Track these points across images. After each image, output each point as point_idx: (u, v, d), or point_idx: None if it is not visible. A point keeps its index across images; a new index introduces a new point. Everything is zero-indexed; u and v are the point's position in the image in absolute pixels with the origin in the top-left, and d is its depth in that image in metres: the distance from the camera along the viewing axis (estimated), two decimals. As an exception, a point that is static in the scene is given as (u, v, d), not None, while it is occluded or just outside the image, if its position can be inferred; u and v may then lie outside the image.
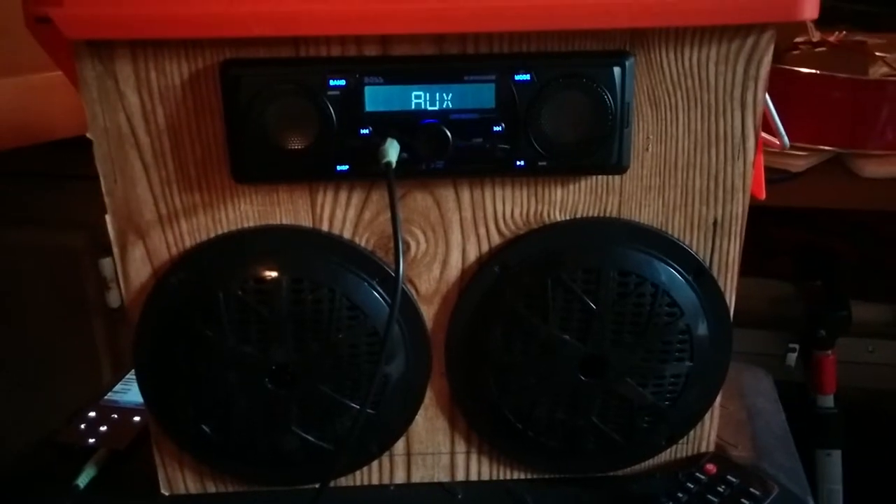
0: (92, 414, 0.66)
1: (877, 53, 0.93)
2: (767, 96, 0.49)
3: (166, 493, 0.57)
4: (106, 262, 1.13)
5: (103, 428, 0.64)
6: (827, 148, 0.84)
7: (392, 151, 0.45)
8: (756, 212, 0.52)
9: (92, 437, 0.63)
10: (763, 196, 0.54)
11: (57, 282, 1.15)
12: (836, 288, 1.15)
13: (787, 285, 1.22)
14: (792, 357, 1.17)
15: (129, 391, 0.69)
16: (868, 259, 1.24)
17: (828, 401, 1.10)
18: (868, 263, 1.24)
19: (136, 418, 0.64)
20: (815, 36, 0.91)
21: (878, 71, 0.90)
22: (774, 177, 0.57)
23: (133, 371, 0.71)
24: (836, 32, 0.95)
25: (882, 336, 1.17)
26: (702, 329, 0.52)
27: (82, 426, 0.65)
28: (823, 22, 1.01)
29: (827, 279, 1.17)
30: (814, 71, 0.82)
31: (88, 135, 0.47)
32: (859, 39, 0.91)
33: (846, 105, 0.83)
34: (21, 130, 0.93)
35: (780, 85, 0.83)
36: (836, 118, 0.83)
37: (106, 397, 0.68)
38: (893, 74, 0.88)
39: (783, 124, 0.86)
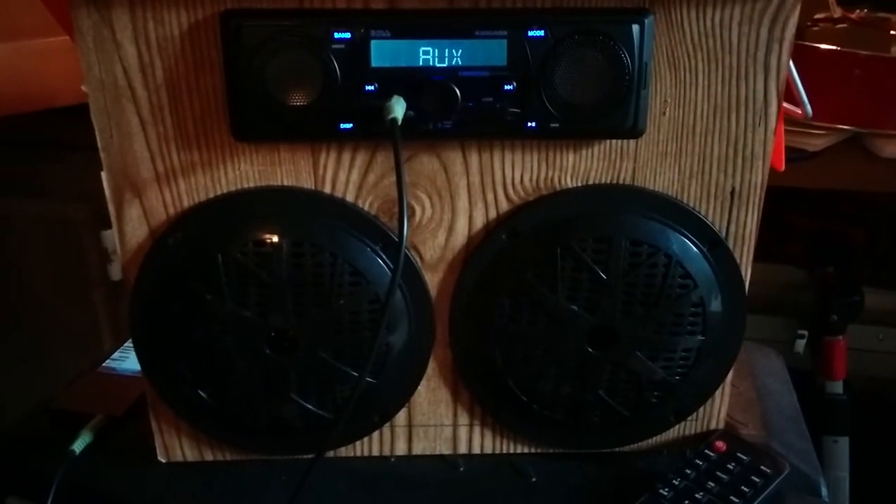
0: (89, 381, 0.65)
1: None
2: (791, 63, 0.47)
3: (163, 460, 0.56)
4: (108, 234, 1.12)
5: (100, 395, 0.63)
6: (846, 127, 0.82)
7: (398, 108, 0.44)
8: (770, 193, 0.50)
9: (88, 404, 0.61)
10: (782, 167, 0.52)
11: (58, 253, 1.14)
12: (848, 274, 1.13)
13: (798, 271, 1.20)
14: (800, 344, 1.15)
15: (126, 359, 0.68)
16: (881, 246, 1.22)
17: (837, 387, 1.09)
18: (881, 250, 1.22)
19: (134, 386, 0.63)
20: (837, 12, 0.89)
21: (900, 48, 0.87)
22: (791, 156, 0.55)
23: (131, 339, 0.70)
24: (858, 10, 0.93)
25: (893, 324, 1.15)
26: (715, 302, 0.50)
27: (79, 393, 0.64)
28: (844, 1, 0.99)
29: (840, 265, 1.15)
30: (834, 47, 0.80)
31: (83, 87, 0.46)
32: (882, 16, 0.89)
33: (867, 83, 0.80)
34: (19, 97, 0.92)
35: (800, 61, 0.80)
36: (856, 96, 0.81)
37: (103, 365, 0.67)
38: (916, 52, 0.86)
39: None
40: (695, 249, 0.49)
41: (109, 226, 1.15)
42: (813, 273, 1.19)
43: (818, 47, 0.81)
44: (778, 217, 0.52)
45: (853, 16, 0.90)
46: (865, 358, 1.16)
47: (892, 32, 0.92)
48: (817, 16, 0.89)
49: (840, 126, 0.83)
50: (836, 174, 0.86)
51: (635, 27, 0.44)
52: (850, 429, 1.08)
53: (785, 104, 0.50)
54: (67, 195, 1.11)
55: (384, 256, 0.50)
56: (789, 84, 0.49)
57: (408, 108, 0.44)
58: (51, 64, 0.92)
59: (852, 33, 0.86)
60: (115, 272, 1.13)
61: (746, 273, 0.51)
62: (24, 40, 0.90)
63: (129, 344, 0.70)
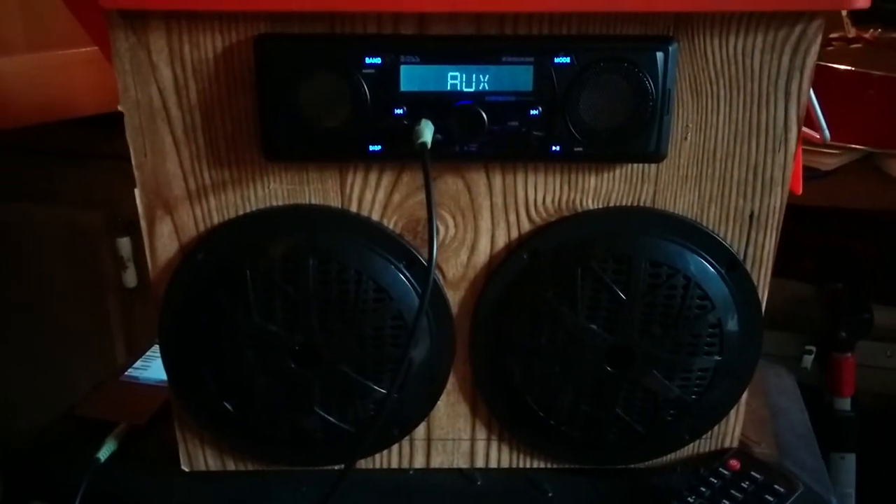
0: (112, 389, 0.66)
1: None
2: (812, 91, 0.48)
3: (186, 469, 0.57)
4: (123, 242, 1.13)
5: (124, 403, 0.64)
6: (859, 147, 0.83)
7: (427, 132, 0.45)
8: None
9: (112, 412, 0.62)
10: (800, 191, 0.53)
11: (74, 260, 1.15)
12: (858, 291, 1.14)
13: (807, 286, 1.21)
14: (808, 359, 1.16)
15: (149, 368, 0.69)
16: (891, 263, 1.23)
17: (844, 403, 1.09)
18: (891, 267, 1.23)
19: (157, 395, 0.64)
20: (851, 32, 0.90)
21: (913, 69, 0.88)
22: (804, 175, 0.56)
23: (152, 349, 0.71)
24: (872, 30, 0.94)
25: (902, 341, 1.16)
26: (732, 323, 0.51)
27: (102, 400, 0.65)
28: (858, 20, 0.99)
29: (849, 282, 1.16)
30: (848, 67, 0.81)
31: (120, 107, 0.47)
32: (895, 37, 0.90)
33: (880, 103, 0.81)
34: (44, 106, 0.93)
35: (814, 81, 0.82)
36: (870, 116, 0.82)
37: (126, 374, 0.68)
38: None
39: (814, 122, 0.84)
40: (713, 271, 0.50)
41: (125, 233, 1.16)
42: (822, 289, 1.19)
43: (833, 67, 0.82)
44: (787, 232, 0.53)
45: (867, 35, 0.91)
46: (874, 374, 1.17)
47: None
48: (832, 35, 0.90)
49: (853, 146, 0.83)
50: (848, 193, 0.87)
51: (659, 55, 0.45)
52: (857, 445, 1.09)
53: (803, 128, 0.51)
54: (84, 202, 1.12)
55: (408, 274, 0.51)
56: (808, 109, 0.49)
57: (435, 132, 0.45)
58: (74, 74, 0.93)
59: (866, 53, 0.86)
60: (130, 279, 1.14)
61: (763, 295, 0.52)
62: (48, 51, 0.92)
63: (151, 353, 0.71)
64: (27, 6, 0.91)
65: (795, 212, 0.53)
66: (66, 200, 1.13)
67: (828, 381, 1.08)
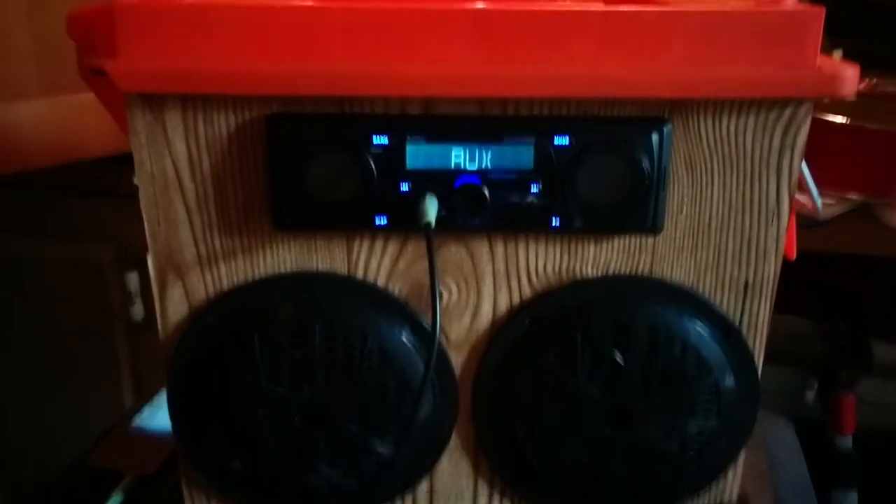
0: (119, 439, 0.68)
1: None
2: (804, 164, 0.50)
3: (194, 525, 0.59)
4: (132, 276, 1.15)
5: (131, 454, 0.65)
6: (855, 196, 0.84)
7: (431, 209, 0.46)
8: None
9: (119, 463, 0.64)
10: (794, 256, 0.54)
11: (82, 294, 1.17)
12: (858, 328, 1.15)
13: (808, 322, 1.22)
14: (810, 395, 1.17)
15: (156, 416, 0.70)
16: (891, 299, 1.24)
17: (846, 441, 1.10)
18: (891, 304, 1.24)
19: (164, 445, 0.65)
20: (846, 83, 0.92)
21: (908, 120, 0.90)
22: (801, 223, 0.57)
23: (159, 396, 0.72)
24: (867, 79, 0.95)
25: (903, 377, 1.17)
26: (729, 387, 0.53)
27: (110, 451, 0.66)
28: (854, 63, 1.01)
29: (849, 319, 1.17)
30: (844, 120, 0.82)
31: (135, 181, 0.49)
32: (890, 91, 0.91)
33: (876, 155, 0.83)
34: (58, 149, 0.95)
35: (810, 132, 0.83)
36: (866, 167, 0.84)
37: (134, 423, 0.70)
38: (924, 124, 0.88)
39: (813, 170, 0.86)
40: (710, 337, 0.52)
41: (134, 268, 1.18)
42: (822, 325, 1.21)
43: (829, 120, 0.83)
44: (788, 269, 0.55)
45: (862, 87, 0.93)
46: (875, 410, 1.18)
47: (901, 99, 0.95)
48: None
49: (850, 195, 0.85)
50: (845, 240, 0.88)
51: (655, 136, 0.46)
52: (859, 482, 1.10)
53: (798, 196, 0.52)
54: (93, 237, 1.14)
55: (412, 337, 0.52)
56: (801, 181, 0.51)
57: (440, 207, 0.47)
58: (86, 117, 0.95)
59: (861, 105, 0.88)
60: (137, 313, 1.16)
61: (759, 360, 0.53)
62: (62, 95, 0.94)
63: (157, 401, 0.72)
64: (42, 50, 0.93)
65: (798, 250, 0.55)
66: (75, 235, 1.15)
67: (829, 418, 1.09)
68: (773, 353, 1.21)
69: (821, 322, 1.21)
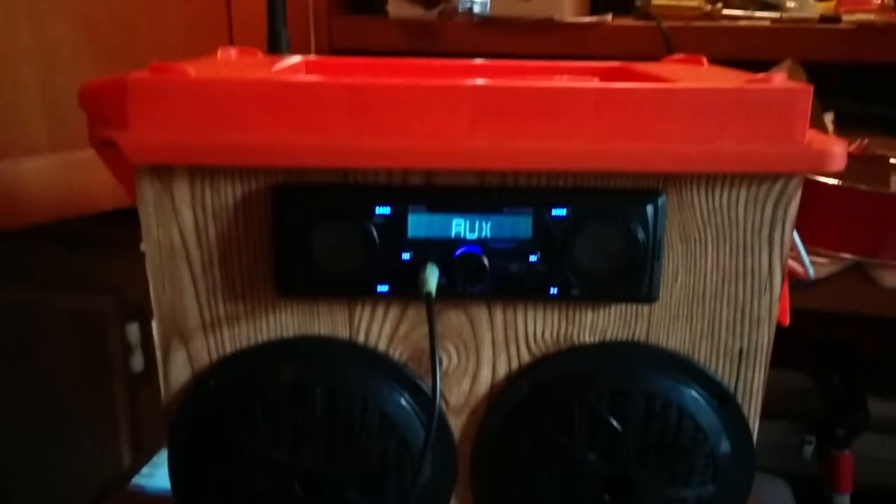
0: (119, 498, 0.68)
1: (894, 160, 0.95)
2: (796, 233, 0.51)
3: (190, 590, 0.58)
4: (132, 328, 1.15)
5: (130, 514, 0.65)
6: (848, 256, 0.86)
7: (432, 279, 0.47)
8: None
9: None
10: (787, 322, 0.55)
11: (83, 344, 1.17)
12: (854, 385, 1.15)
13: (805, 377, 1.23)
14: (808, 450, 1.16)
15: (155, 475, 0.70)
16: (887, 355, 1.24)
17: (844, 500, 1.09)
18: (887, 359, 1.24)
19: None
20: (837, 145, 0.94)
21: (899, 181, 0.92)
22: (795, 284, 0.58)
23: (159, 455, 0.73)
24: (858, 140, 0.97)
25: (900, 433, 1.17)
26: (725, 453, 0.53)
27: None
28: (845, 123, 1.03)
29: (845, 375, 1.17)
30: (836, 182, 0.84)
31: (142, 248, 0.50)
32: (880, 154, 0.93)
33: (868, 216, 0.84)
34: (64, 204, 0.97)
35: (804, 194, 0.85)
36: (858, 228, 0.85)
37: (133, 482, 0.70)
38: (914, 185, 0.90)
39: (807, 230, 0.87)
40: (705, 404, 0.52)
41: (135, 319, 1.18)
42: (819, 380, 1.21)
43: (821, 181, 0.85)
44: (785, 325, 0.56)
45: (853, 149, 0.95)
46: (873, 465, 1.17)
47: (891, 161, 0.96)
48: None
49: (843, 255, 0.86)
50: (839, 299, 0.89)
51: (649, 207, 0.48)
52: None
53: (790, 262, 0.53)
54: (95, 288, 1.15)
55: (412, 402, 0.53)
56: (793, 248, 0.52)
57: (440, 275, 0.48)
58: (92, 173, 0.96)
59: (853, 167, 0.90)
60: (137, 364, 1.16)
61: (754, 427, 0.54)
62: (69, 151, 0.95)
63: (157, 459, 0.72)
64: (50, 107, 0.95)
65: (792, 308, 0.56)
66: (77, 286, 1.16)
67: (826, 476, 1.09)
68: (772, 408, 1.21)
69: (818, 377, 1.21)
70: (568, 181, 0.48)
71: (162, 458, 0.71)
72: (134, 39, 0.94)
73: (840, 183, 0.84)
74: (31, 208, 0.94)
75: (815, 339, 1.26)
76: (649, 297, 0.50)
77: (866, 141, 0.97)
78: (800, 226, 0.53)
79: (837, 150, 0.46)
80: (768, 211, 0.49)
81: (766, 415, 0.52)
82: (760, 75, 0.48)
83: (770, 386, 0.54)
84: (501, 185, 0.49)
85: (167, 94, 0.46)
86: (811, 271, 0.54)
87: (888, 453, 1.18)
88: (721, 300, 0.51)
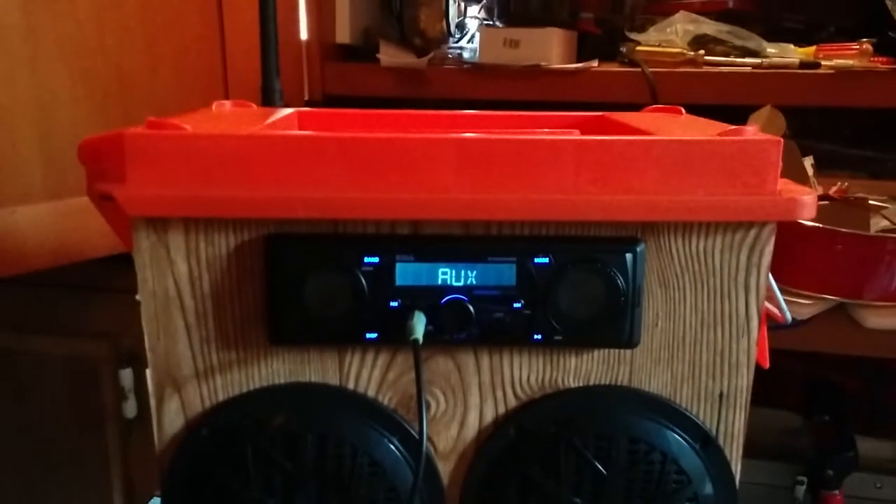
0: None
1: (874, 202, 0.98)
2: (771, 278, 0.52)
3: None
4: (125, 373, 1.16)
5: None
6: (830, 297, 0.87)
7: (419, 326, 0.49)
8: None
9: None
10: (767, 365, 0.57)
11: (75, 389, 1.17)
12: (843, 425, 1.16)
13: (796, 417, 1.24)
14: (800, 490, 1.17)
15: (147, 522, 0.71)
16: (875, 395, 1.26)
17: (837, 540, 1.10)
18: (875, 400, 1.26)
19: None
20: (818, 190, 0.96)
21: (878, 223, 0.94)
22: (779, 325, 0.60)
23: (152, 501, 0.73)
24: (839, 183, 1.00)
25: (890, 472, 1.17)
26: (708, 495, 0.54)
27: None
28: (825, 166, 1.06)
29: (835, 415, 1.18)
30: (817, 225, 0.86)
31: (138, 297, 0.51)
32: (860, 196, 0.96)
33: (849, 258, 0.86)
34: (59, 251, 0.98)
35: (786, 236, 0.86)
36: (839, 269, 0.87)
37: (125, 529, 0.70)
38: (893, 228, 0.92)
39: (790, 272, 0.89)
40: (688, 447, 0.54)
41: (128, 365, 1.19)
42: (809, 420, 1.22)
43: (802, 224, 0.87)
44: (775, 365, 0.56)
45: (833, 192, 0.97)
46: (863, 506, 1.18)
47: (871, 203, 0.99)
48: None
49: (825, 296, 0.88)
50: (823, 339, 0.91)
51: (629, 255, 0.50)
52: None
53: (768, 305, 0.55)
54: (88, 333, 1.16)
55: (401, 448, 0.54)
56: (770, 294, 0.54)
57: (427, 322, 0.50)
58: (87, 220, 0.98)
59: (833, 210, 0.92)
60: (130, 410, 1.16)
61: (737, 469, 0.55)
62: (65, 199, 0.97)
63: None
64: (47, 156, 0.96)
65: (780, 349, 0.57)
66: (70, 331, 1.16)
67: (818, 517, 1.09)
68: (763, 448, 1.22)
69: (809, 418, 1.22)
70: (550, 230, 0.50)
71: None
72: (131, 91, 0.96)
73: (821, 226, 0.86)
74: (25, 255, 0.96)
75: (805, 380, 1.27)
76: (630, 342, 0.51)
77: (846, 184, 1.00)
78: (782, 268, 0.54)
79: (808, 200, 0.48)
80: (743, 258, 0.51)
81: (758, 455, 0.53)
82: (733, 127, 0.50)
83: (762, 426, 0.55)
84: (486, 234, 0.50)
85: (163, 149, 0.48)
86: (788, 315, 0.56)
87: (878, 493, 1.19)
88: (700, 344, 0.52)
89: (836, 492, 1.07)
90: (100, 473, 1.18)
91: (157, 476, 0.55)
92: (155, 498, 0.67)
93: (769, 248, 0.51)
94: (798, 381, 1.26)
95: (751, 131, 0.50)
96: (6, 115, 0.88)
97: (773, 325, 0.59)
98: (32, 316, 1.18)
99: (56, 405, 1.18)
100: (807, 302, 0.88)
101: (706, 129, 0.54)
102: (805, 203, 0.48)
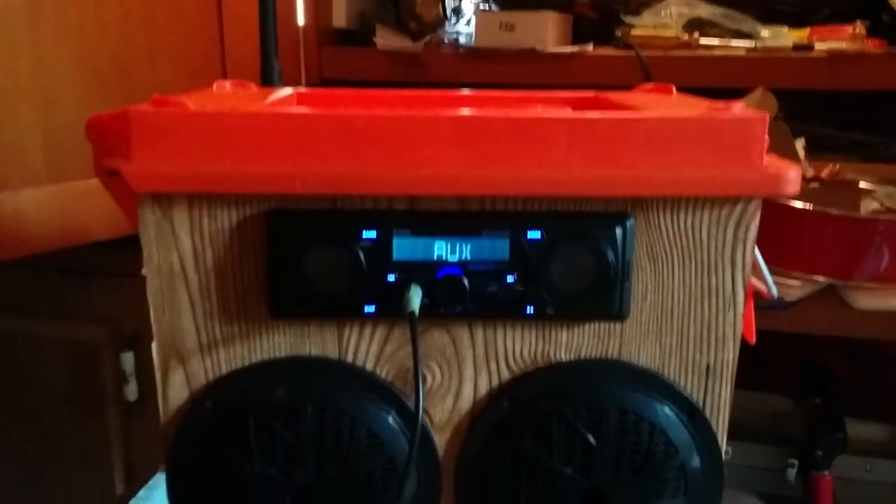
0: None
1: (864, 185, 0.99)
2: (758, 252, 0.54)
3: None
4: (127, 357, 1.17)
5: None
6: (820, 279, 0.89)
7: (415, 299, 0.50)
8: (756, 330, 0.55)
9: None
10: (753, 341, 0.58)
11: (77, 373, 1.18)
12: (834, 407, 1.18)
13: (787, 401, 1.25)
14: (791, 472, 1.18)
15: (151, 498, 0.72)
16: (866, 378, 1.27)
17: (826, 521, 1.11)
18: (866, 382, 1.27)
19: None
20: (809, 172, 0.98)
21: (869, 205, 0.95)
22: (768, 305, 0.61)
23: (155, 479, 0.75)
24: (830, 165, 1.01)
25: (880, 455, 1.19)
26: (695, 466, 0.56)
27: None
28: (817, 150, 1.07)
29: (826, 398, 1.20)
30: (808, 206, 0.87)
31: (143, 272, 0.52)
32: (850, 178, 0.97)
33: (839, 239, 0.88)
34: (61, 234, 0.99)
35: (777, 218, 0.88)
36: (829, 251, 0.88)
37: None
38: (883, 210, 0.94)
39: (779, 254, 0.90)
40: (675, 418, 0.55)
41: (129, 348, 1.20)
42: (800, 404, 1.24)
43: (793, 206, 0.89)
44: (767, 348, 0.57)
45: (824, 175, 0.98)
46: (854, 488, 1.20)
47: (861, 185, 1.00)
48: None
49: (815, 277, 0.89)
50: (813, 321, 0.92)
51: (619, 229, 0.51)
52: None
53: (754, 280, 0.56)
54: (89, 318, 1.17)
55: (398, 420, 0.55)
56: (756, 269, 0.55)
57: (423, 296, 0.51)
58: (89, 203, 0.99)
59: (824, 192, 0.94)
60: (131, 393, 1.17)
61: (723, 440, 0.56)
62: (68, 181, 0.98)
63: (153, 482, 0.74)
64: (49, 139, 0.97)
65: (770, 331, 0.58)
66: (71, 315, 1.17)
67: (806, 498, 1.11)
68: (755, 431, 1.23)
69: (799, 400, 1.24)
70: (543, 205, 0.52)
71: (157, 481, 0.73)
72: (131, 75, 0.97)
73: (812, 207, 0.88)
74: (27, 239, 0.97)
75: (796, 362, 1.28)
76: (620, 314, 0.53)
77: (838, 166, 1.01)
78: (773, 249, 0.56)
79: (792, 175, 0.50)
80: (730, 232, 0.52)
81: (749, 438, 0.55)
82: (721, 104, 0.52)
83: (753, 409, 0.57)
84: (480, 209, 0.52)
85: (168, 125, 0.49)
86: (774, 291, 0.57)
87: (868, 475, 1.20)
88: (688, 317, 0.54)
89: (826, 472, 1.08)
90: (101, 457, 1.20)
91: (161, 449, 0.57)
92: (158, 473, 0.68)
93: (755, 224, 0.52)
94: (790, 364, 1.28)
95: (738, 108, 0.51)
96: (9, 99, 0.89)
97: (763, 304, 0.60)
98: (33, 300, 1.19)
99: (57, 389, 1.20)
100: (797, 283, 0.90)
101: (695, 107, 0.55)
102: (789, 178, 0.49)
